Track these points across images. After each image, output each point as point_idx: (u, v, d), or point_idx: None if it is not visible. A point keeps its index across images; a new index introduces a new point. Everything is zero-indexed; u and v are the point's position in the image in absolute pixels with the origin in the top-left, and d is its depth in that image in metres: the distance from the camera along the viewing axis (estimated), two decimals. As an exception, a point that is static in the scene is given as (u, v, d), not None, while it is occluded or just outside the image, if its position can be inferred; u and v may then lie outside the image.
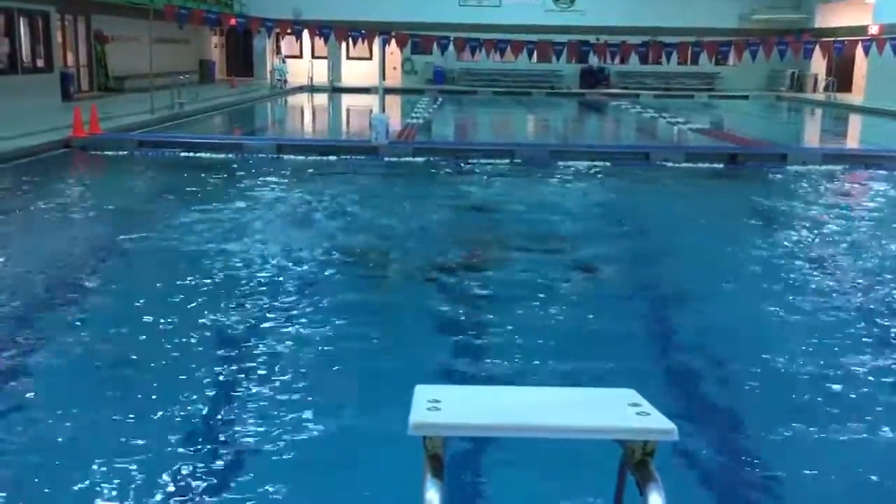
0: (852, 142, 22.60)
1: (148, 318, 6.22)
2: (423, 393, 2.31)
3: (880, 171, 15.07)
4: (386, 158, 15.55)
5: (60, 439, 4.30)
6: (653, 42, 21.60)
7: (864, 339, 6.12)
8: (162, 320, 6.14)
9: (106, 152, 15.56)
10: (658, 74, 37.05)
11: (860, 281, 7.77)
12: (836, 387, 5.22)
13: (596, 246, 9.07)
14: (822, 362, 5.63)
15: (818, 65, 34.47)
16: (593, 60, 29.33)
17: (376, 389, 4.96)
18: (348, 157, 15.71)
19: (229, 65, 39.36)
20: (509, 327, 6.18)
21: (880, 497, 4.02)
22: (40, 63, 22.40)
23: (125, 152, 15.68)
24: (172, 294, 6.78)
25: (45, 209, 10.48)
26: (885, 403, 5.00)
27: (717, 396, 5.20)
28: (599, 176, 14.37)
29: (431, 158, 15.59)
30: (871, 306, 6.93)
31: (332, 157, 15.59)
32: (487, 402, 2.28)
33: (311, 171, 14.33)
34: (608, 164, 15.34)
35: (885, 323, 6.50)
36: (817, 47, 22.24)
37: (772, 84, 37.85)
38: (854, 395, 5.11)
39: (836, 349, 5.85)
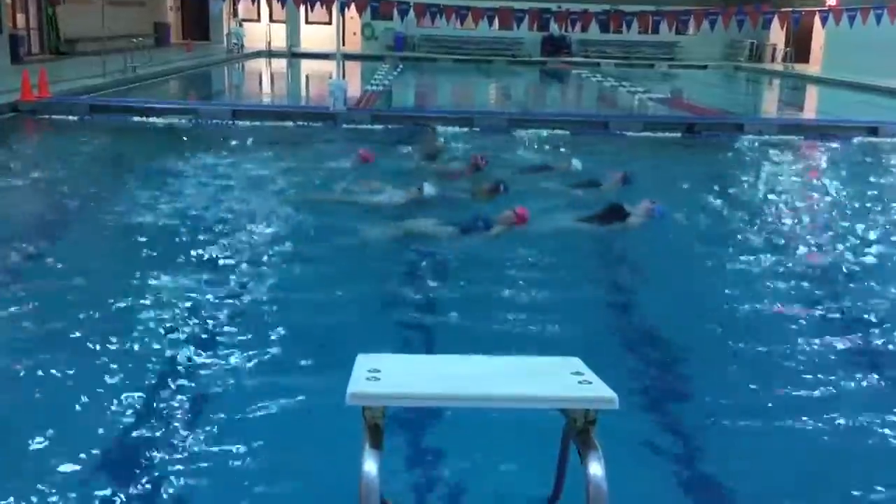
0: (808, 112, 22.82)
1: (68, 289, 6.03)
2: (364, 362, 2.26)
3: (834, 143, 15.26)
4: (344, 126, 15.35)
5: None
6: (614, 11, 21.51)
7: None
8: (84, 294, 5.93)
9: (55, 116, 15.16)
10: (619, 43, 37.00)
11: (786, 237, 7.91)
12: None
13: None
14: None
15: (776, 35, 34.73)
16: (554, 28, 29.19)
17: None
18: (305, 123, 15.49)
19: (185, 28, 38.51)
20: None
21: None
22: (-12, 24, 21.78)
23: (75, 117, 15.28)
24: (99, 268, 6.53)
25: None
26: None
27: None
28: (557, 144, 14.33)
29: (390, 126, 15.43)
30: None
31: (289, 124, 15.35)
32: (429, 372, 2.23)
33: (265, 137, 14.07)
34: (567, 132, 15.31)
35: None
36: (776, 18, 22.40)
37: (731, 54, 38.05)
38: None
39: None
